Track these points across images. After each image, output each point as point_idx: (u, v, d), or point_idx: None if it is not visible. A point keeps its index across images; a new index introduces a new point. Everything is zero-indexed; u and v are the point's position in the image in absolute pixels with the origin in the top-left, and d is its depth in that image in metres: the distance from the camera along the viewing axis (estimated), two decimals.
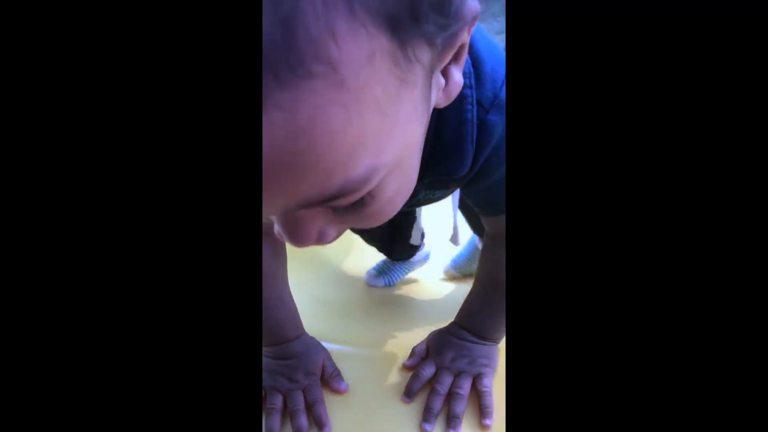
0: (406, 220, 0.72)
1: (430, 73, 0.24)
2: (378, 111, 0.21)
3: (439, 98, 0.27)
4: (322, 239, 0.27)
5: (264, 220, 0.25)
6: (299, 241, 0.27)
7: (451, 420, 0.48)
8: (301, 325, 0.57)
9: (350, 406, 0.52)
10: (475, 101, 0.34)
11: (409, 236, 0.73)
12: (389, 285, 0.78)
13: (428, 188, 0.42)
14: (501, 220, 0.48)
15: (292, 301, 0.56)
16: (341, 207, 0.24)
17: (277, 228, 0.27)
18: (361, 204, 0.25)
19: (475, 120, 0.35)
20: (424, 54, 0.22)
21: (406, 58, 0.21)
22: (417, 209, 0.71)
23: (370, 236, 0.74)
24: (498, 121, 0.35)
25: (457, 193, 0.58)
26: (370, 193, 0.24)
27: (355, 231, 0.69)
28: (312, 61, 0.18)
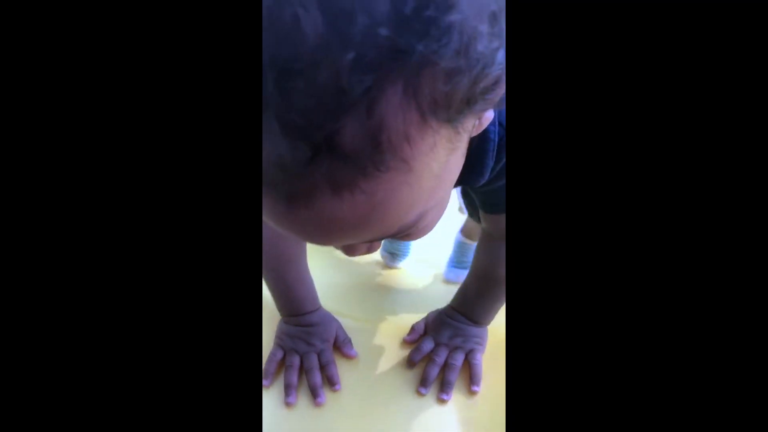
0: None
1: (472, 129, 0.29)
2: (432, 177, 0.26)
3: (472, 132, 0.30)
4: (369, 251, 0.34)
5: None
6: (353, 254, 0.33)
7: (445, 386, 0.56)
8: (318, 300, 0.64)
9: (358, 370, 0.60)
10: (497, 121, 0.39)
11: None
12: (402, 261, 0.86)
13: None
14: (498, 219, 0.55)
15: (311, 280, 0.63)
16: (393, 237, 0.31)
17: None
18: (407, 234, 0.31)
19: (496, 139, 0.39)
20: (471, 122, 0.27)
21: (457, 133, 0.25)
22: None
23: None
24: None
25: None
26: (415, 227, 0.29)
27: None
28: (391, 159, 0.22)
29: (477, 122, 0.30)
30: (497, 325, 0.63)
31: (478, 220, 0.61)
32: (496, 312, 0.62)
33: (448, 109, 0.23)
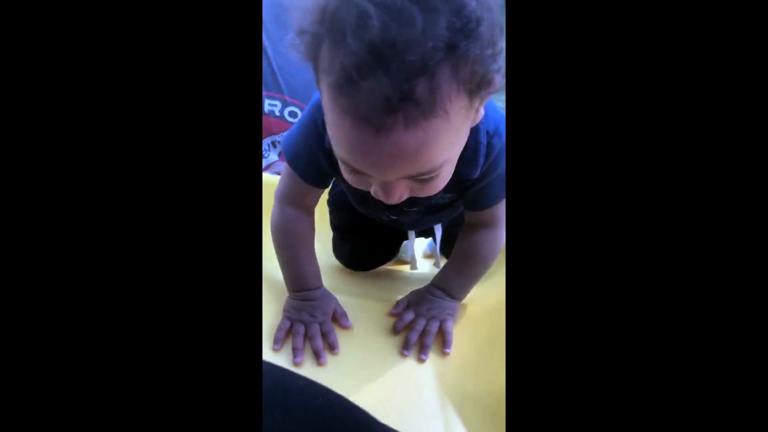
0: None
1: (476, 110, 0.45)
2: (456, 133, 0.42)
3: (474, 118, 0.46)
4: (400, 200, 0.47)
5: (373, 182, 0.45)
6: (389, 198, 0.47)
7: (423, 348, 0.68)
8: (321, 279, 0.75)
9: (353, 337, 0.71)
10: (485, 130, 0.55)
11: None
12: None
13: (444, 191, 0.53)
14: (481, 214, 0.68)
15: (317, 261, 0.74)
16: (421, 180, 0.45)
17: (373, 189, 0.47)
18: (430, 178, 0.44)
19: (485, 142, 0.56)
20: (478, 103, 0.43)
21: (472, 106, 0.42)
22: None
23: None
24: (497, 143, 0.57)
25: (439, 228, 0.80)
26: (437, 173, 0.44)
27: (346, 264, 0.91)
28: (440, 109, 0.38)
29: (476, 112, 0.45)
30: (466, 301, 0.76)
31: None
32: (470, 289, 0.74)
33: (470, 84, 0.39)
